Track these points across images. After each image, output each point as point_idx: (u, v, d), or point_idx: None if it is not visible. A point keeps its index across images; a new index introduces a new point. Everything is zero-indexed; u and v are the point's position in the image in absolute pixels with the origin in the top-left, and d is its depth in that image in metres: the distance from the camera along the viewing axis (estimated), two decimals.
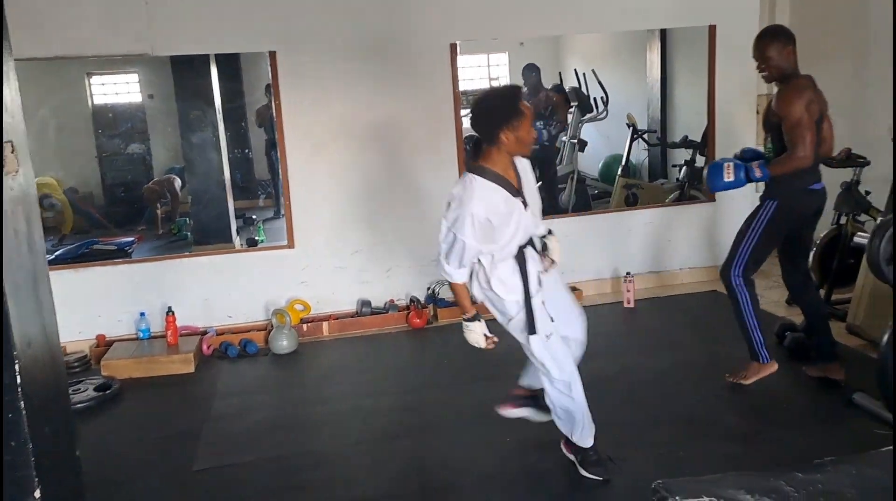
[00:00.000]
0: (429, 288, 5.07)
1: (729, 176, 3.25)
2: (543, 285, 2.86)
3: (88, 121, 6.98)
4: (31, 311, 1.62)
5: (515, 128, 2.58)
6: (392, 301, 5.02)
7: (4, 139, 1.57)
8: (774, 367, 3.55)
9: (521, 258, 2.78)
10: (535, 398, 3.12)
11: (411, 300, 4.98)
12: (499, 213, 2.66)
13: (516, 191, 2.72)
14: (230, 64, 6.04)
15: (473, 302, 2.87)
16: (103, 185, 6.99)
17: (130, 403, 3.90)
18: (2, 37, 1.58)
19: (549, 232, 3.00)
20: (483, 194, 2.62)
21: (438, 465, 3.13)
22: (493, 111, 2.61)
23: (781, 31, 3.41)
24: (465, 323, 2.84)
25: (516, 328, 2.85)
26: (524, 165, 2.83)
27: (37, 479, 1.44)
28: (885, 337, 2.98)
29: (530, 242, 2.84)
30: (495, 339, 2.86)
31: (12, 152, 1.61)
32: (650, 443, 3.15)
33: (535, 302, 2.79)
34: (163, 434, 3.51)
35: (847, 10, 5.35)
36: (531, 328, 2.79)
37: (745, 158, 3.44)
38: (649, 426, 3.31)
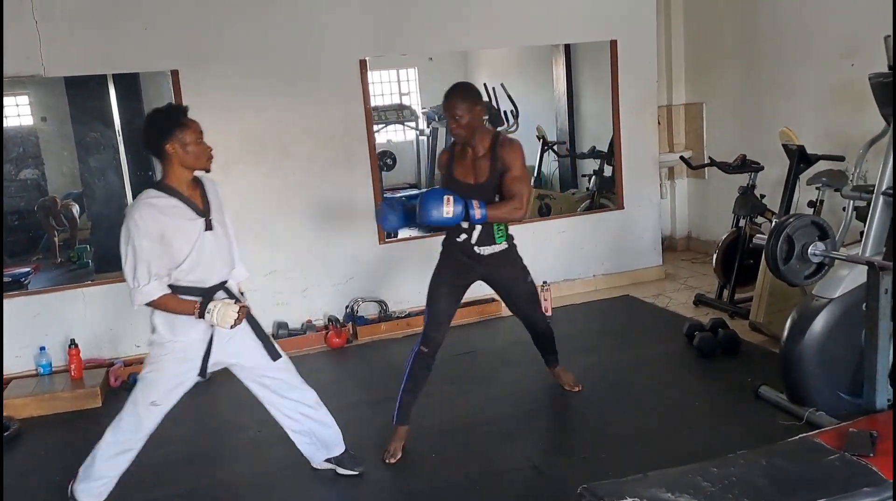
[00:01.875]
0: (348, 306, 5.02)
1: (448, 212, 2.95)
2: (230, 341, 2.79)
3: None
4: None
5: (181, 139, 2.60)
6: (310, 322, 4.94)
7: None
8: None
9: (206, 303, 2.66)
10: (343, 457, 3.13)
11: (329, 320, 4.91)
12: (173, 225, 2.60)
13: (200, 212, 2.69)
14: (129, 84, 5.81)
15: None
16: None
17: (32, 443, 3.67)
18: None
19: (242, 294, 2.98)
20: (153, 201, 2.60)
21: (365, 485, 3.08)
22: (156, 127, 2.63)
23: (471, 88, 3.20)
24: (207, 317, 2.64)
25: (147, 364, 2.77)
26: (220, 198, 2.81)
27: None
28: (786, 332, 3.15)
29: (222, 287, 2.77)
30: (243, 303, 2.76)
31: None
32: (572, 448, 3.22)
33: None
34: (69, 475, 3.30)
35: (735, 24, 5.66)
36: (203, 371, 2.76)
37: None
38: (570, 431, 3.38)
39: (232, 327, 2.65)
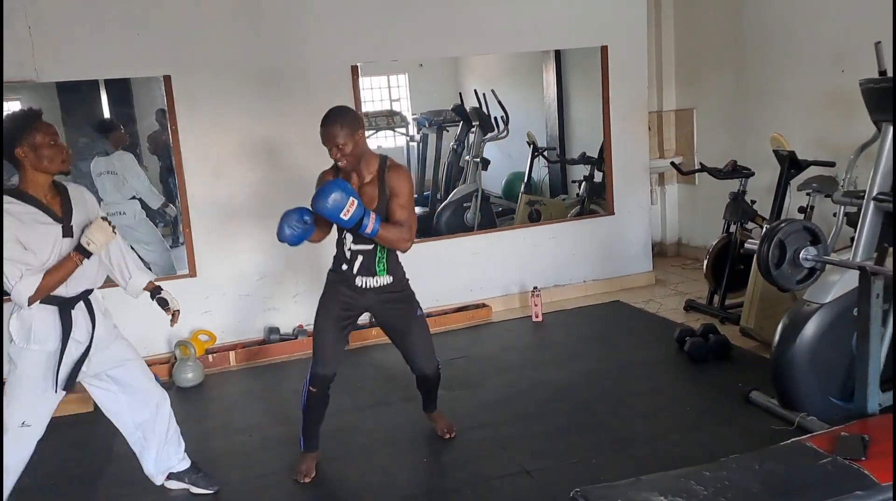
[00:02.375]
0: None
1: (347, 214, 2.77)
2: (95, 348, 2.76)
3: None
4: None
5: (31, 143, 2.54)
6: (301, 327, 4.92)
7: None
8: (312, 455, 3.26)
9: (65, 313, 2.63)
10: (193, 469, 3.14)
11: None
12: (28, 231, 2.53)
13: (57, 218, 2.62)
14: (120, 89, 5.80)
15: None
16: None
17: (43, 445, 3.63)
18: None
19: (160, 289, 2.99)
20: (9, 208, 2.52)
21: (356, 490, 3.08)
22: (7, 132, 2.58)
23: (350, 113, 2.99)
24: (90, 248, 2.58)
25: (8, 383, 2.67)
26: (89, 207, 2.76)
27: None
28: (777, 337, 3.17)
29: (83, 298, 2.72)
30: (111, 223, 2.65)
31: None
32: (564, 453, 3.21)
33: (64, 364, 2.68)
34: (61, 479, 3.30)
35: (724, 31, 5.71)
36: (65, 383, 2.71)
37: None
38: (562, 436, 3.37)
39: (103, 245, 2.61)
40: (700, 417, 3.47)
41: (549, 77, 6.57)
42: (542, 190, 6.80)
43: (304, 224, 2.91)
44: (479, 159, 6.44)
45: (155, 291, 3.00)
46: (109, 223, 2.63)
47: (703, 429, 3.33)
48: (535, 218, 6.01)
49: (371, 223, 2.82)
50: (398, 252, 3.08)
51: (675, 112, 6.38)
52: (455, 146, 6.71)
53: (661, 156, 6.37)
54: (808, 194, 4.39)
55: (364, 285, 3.07)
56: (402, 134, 7.46)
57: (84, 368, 2.76)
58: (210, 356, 4.59)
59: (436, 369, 3.32)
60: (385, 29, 4.91)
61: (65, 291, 2.64)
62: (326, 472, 3.19)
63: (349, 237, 3.04)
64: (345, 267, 3.08)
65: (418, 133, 7.20)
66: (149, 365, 4.38)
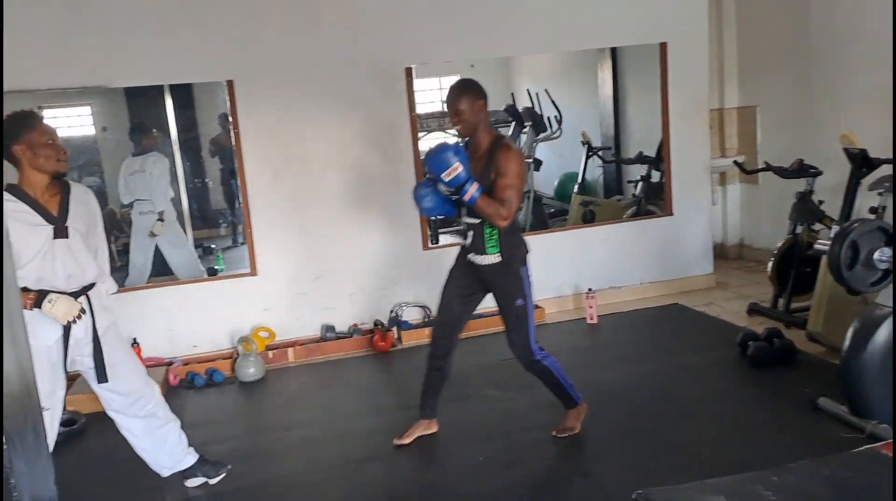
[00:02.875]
0: (392, 311, 5.05)
1: (449, 176, 2.91)
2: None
3: None
4: (7, 346, 1.56)
5: (29, 142, 2.61)
6: (356, 326, 4.98)
7: None
8: (585, 405, 3.42)
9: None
10: (201, 462, 3.16)
11: (375, 324, 4.95)
12: (15, 230, 2.56)
13: (51, 218, 2.67)
14: (185, 93, 5.98)
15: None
16: None
17: (97, 437, 3.77)
18: None
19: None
20: (8, 204, 2.59)
21: (412, 487, 3.10)
22: (7, 129, 2.64)
23: (473, 85, 3.14)
24: (46, 307, 2.61)
25: None
26: (90, 208, 2.80)
27: None
28: (847, 342, 3.06)
29: (84, 293, 2.75)
30: (80, 307, 2.70)
31: None
32: (620, 455, 3.17)
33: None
34: (131, 467, 3.38)
35: (789, 26, 5.55)
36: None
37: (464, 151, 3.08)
38: (618, 439, 3.33)
39: (69, 321, 2.64)
40: (763, 423, 3.38)
41: (605, 75, 6.49)
42: (597, 191, 6.72)
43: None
44: (531, 160, 6.41)
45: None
46: (80, 309, 2.66)
47: (767, 435, 3.24)
48: (588, 219, 5.94)
49: (471, 191, 2.92)
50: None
51: (737, 110, 6.23)
52: None
53: (723, 155, 6.23)
54: (879, 194, 4.22)
55: (475, 262, 3.17)
56: (454, 135, 7.48)
57: (87, 361, 2.82)
58: (270, 353, 4.69)
59: (525, 360, 3.26)
60: (438, 30, 4.94)
61: (65, 285, 2.69)
62: (382, 469, 3.23)
63: (463, 210, 3.15)
64: (463, 241, 3.22)
65: None
66: (212, 361, 4.59)
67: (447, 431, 3.56)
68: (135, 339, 4.39)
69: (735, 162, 5.35)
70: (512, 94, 6.66)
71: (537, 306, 5.20)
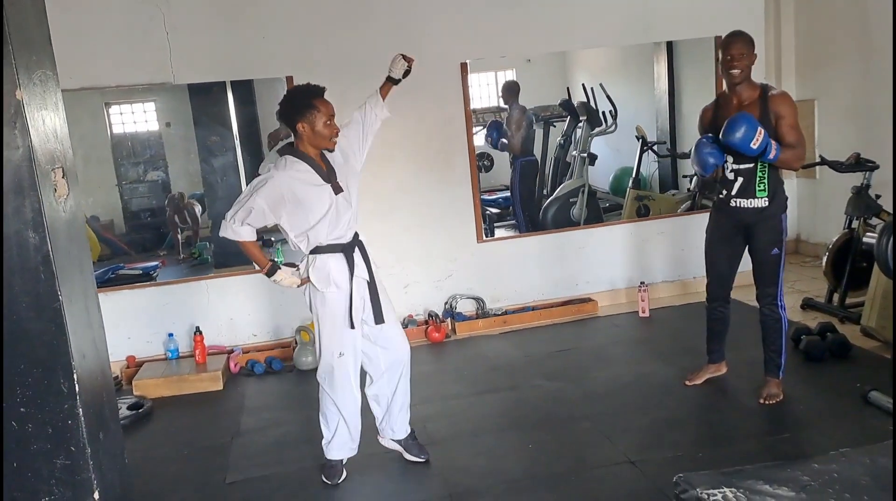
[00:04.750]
0: (446, 303, 5.17)
1: (756, 143, 3.08)
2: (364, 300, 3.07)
3: (108, 150, 7.14)
4: (84, 326, 1.72)
5: (310, 121, 2.85)
6: (411, 317, 5.11)
7: (55, 165, 1.69)
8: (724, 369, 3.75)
9: (349, 256, 3.00)
10: (409, 437, 3.30)
11: (430, 315, 5.07)
12: (305, 191, 2.87)
13: (326, 177, 2.93)
14: (245, 89, 6.17)
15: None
16: (124, 212, 7.12)
17: (162, 420, 4.00)
18: (54, 66, 1.69)
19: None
20: (291, 170, 2.87)
21: (464, 472, 3.20)
22: (289, 105, 2.90)
23: (747, 35, 3.33)
24: (274, 279, 3.00)
25: (321, 323, 3.03)
26: (343, 162, 3.04)
27: (95, 481, 1.53)
28: None
29: (357, 243, 3.06)
30: (303, 276, 3.01)
31: (63, 177, 1.72)
32: (670, 446, 3.21)
33: (356, 303, 3.01)
34: (195, 449, 3.61)
35: (850, 17, 5.45)
36: (351, 322, 3.00)
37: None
38: (668, 429, 3.37)
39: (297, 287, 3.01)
40: (814, 415, 3.38)
41: (661, 69, 6.45)
42: (652, 185, 6.69)
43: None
44: (586, 154, 6.43)
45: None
46: (301, 282, 3.02)
47: (817, 428, 3.25)
48: (643, 213, 5.94)
49: (773, 150, 3.11)
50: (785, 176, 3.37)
51: (796, 103, 6.12)
52: (562, 141, 6.71)
53: None
54: None
55: (739, 206, 3.35)
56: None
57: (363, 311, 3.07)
58: None
59: (768, 308, 3.45)
60: (493, 25, 5.01)
61: (345, 237, 3.00)
62: (436, 454, 3.33)
63: (730, 159, 3.30)
64: (724, 193, 3.39)
65: None
66: (271, 350, 4.78)
67: (496, 419, 3.66)
68: (198, 327, 4.61)
69: None
70: (567, 88, 6.69)
71: (590, 300, 5.27)
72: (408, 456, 3.29)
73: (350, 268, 2.99)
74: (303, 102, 2.87)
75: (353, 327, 3.01)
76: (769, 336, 3.51)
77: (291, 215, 2.91)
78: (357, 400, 3.14)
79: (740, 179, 3.31)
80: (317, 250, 2.97)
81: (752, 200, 3.32)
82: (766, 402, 3.48)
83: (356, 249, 3.06)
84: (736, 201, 3.34)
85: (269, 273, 2.99)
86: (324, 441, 3.20)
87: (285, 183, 2.86)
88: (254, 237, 2.98)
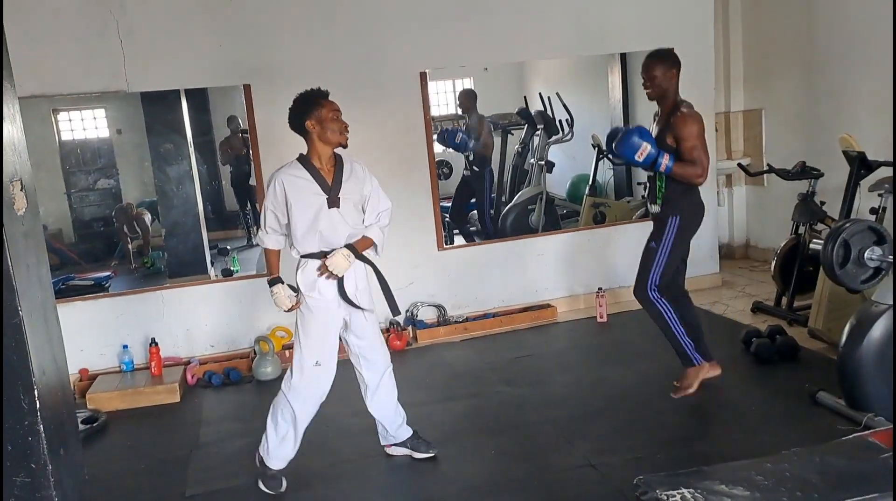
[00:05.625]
0: (407, 311, 5.18)
1: (641, 156, 3.40)
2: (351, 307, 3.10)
3: (56, 157, 6.97)
4: (44, 341, 1.70)
5: (317, 117, 2.94)
6: None
7: (14, 178, 1.66)
8: (717, 369, 3.74)
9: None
10: (413, 437, 3.36)
11: (391, 323, 5.08)
12: (297, 193, 2.95)
13: (328, 188, 2.98)
14: (200, 97, 6.10)
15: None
16: (73, 221, 6.96)
17: (118, 434, 3.93)
18: (2, 77, 1.67)
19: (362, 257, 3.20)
20: (291, 171, 2.99)
21: (427, 479, 3.22)
22: (296, 108, 2.99)
23: (669, 55, 3.58)
24: (270, 289, 3.10)
25: (302, 329, 3.10)
26: (357, 174, 3.08)
27: (56, 498, 1.51)
28: (844, 337, 3.17)
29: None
30: (297, 300, 3.07)
31: (21, 190, 1.70)
32: (628, 448, 3.28)
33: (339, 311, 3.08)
34: (153, 462, 3.55)
35: (795, 31, 5.64)
36: (344, 297, 3.05)
37: (645, 128, 3.60)
38: (626, 433, 3.44)
39: (286, 311, 3.07)
40: (765, 417, 3.49)
41: (615, 80, 6.59)
42: (607, 192, 6.82)
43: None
44: (543, 162, 6.53)
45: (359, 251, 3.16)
46: (294, 305, 3.06)
47: (768, 429, 3.34)
48: (599, 220, 6.05)
49: (664, 162, 3.38)
50: (692, 189, 3.52)
51: (743, 113, 6.32)
52: (520, 149, 6.80)
53: (729, 157, 6.33)
54: (879, 195, 4.32)
55: (650, 208, 3.69)
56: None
57: (347, 318, 3.11)
58: (287, 352, 4.80)
59: (639, 296, 3.65)
60: (453, 35, 5.06)
61: (337, 242, 3.01)
62: (398, 461, 3.35)
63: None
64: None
65: None
66: (229, 360, 4.73)
67: (458, 426, 3.69)
68: (153, 339, 4.53)
69: (739, 165, 5.45)
70: (525, 97, 6.78)
71: (550, 306, 5.33)
72: (417, 455, 3.34)
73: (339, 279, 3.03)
74: (308, 102, 2.96)
75: (344, 298, 3.04)
76: (660, 328, 3.69)
77: (290, 215, 2.98)
78: (311, 415, 3.15)
79: (648, 185, 3.66)
80: (309, 255, 3.02)
81: (652, 205, 3.64)
82: (674, 395, 3.67)
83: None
84: (648, 204, 3.72)
85: (270, 284, 3.09)
86: (264, 448, 3.17)
87: (282, 182, 2.95)
88: (278, 246, 3.11)
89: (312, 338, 3.06)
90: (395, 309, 3.24)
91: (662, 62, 3.48)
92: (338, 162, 3.06)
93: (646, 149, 3.38)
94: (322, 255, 3.00)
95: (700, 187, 3.56)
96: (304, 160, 3.02)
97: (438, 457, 3.36)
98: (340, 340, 3.20)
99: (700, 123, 3.45)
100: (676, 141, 3.44)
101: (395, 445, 3.37)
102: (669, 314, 3.61)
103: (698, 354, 3.66)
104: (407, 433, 3.37)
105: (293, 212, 2.96)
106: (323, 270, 3.00)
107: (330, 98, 3.00)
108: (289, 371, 3.14)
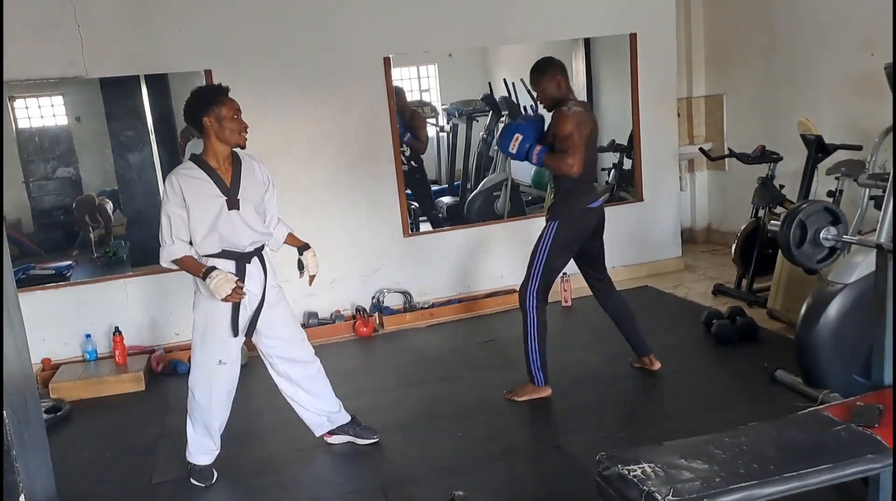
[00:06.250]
0: (373, 298, 5.18)
1: (514, 148, 3.51)
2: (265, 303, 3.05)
3: (13, 145, 6.81)
4: (6, 327, 1.67)
5: (216, 114, 2.82)
6: (338, 312, 5.11)
7: None
8: (548, 391, 3.68)
9: (241, 265, 2.95)
10: (353, 423, 3.36)
11: (357, 310, 5.08)
12: (194, 196, 2.85)
13: (226, 189, 2.90)
14: (160, 83, 5.99)
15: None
16: (32, 210, 6.82)
17: (83, 423, 3.88)
18: None
19: (307, 246, 3.26)
20: (186, 172, 2.88)
21: (396, 462, 3.24)
22: (194, 102, 2.87)
23: (548, 64, 3.64)
24: (208, 282, 2.82)
25: (202, 327, 3.01)
26: (257, 175, 3.02)
27: (21, 484, 1.50)
28: (801, 317, 3.25)
29: (257, 253, 3.03)
30: (241, 284, 2.88)
31: None
32: (592, 429, 3.34)
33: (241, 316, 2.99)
34: (119, 451, 3.52)
35: (754, 18, 5.73)
36: (234, 330, 2.98)
37: (532, 121, 3.70)
38: (590, 413, 3.50)
39: (223, 299, 2.82)
40: (726, 395, 3.58)
41: (579, 65, 6.63)
42: None
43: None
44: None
45: (302, 247, 3.26)
46: (237, 288, 2.85)
47: (729, 407, 3.43)
48: None
49: (535, 155, 3.48)
50: (571, 189, 3.59)
51: (705, 98, 6.42)
52: (485, 136, 6.82)
53: (691, 142, 6.42)
54: (836, 178, 4.43)
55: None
56: (433, 124, 7.59)
57: (259, 321, 3.04)
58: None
59: (521, 296, 3.66)
60: (416, 20, 5.04)
61: (241, 246, 2.94)
62: (360, 448, 3.36)
63: None
64: None
65: (448, 123, 7.32)
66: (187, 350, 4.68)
67: (426, 410, 3.71)
68: (117, 327, 4.47)
69: (701, 149, 5.54)
70: (489, 83, 6.79)
71: (514, 290, 5.37)
72: (360, 442, 3.34)
73: (241, 278, 2.93)
74: (207, 98, 2.85)
75: (236, 334, 2.99)
76: (522, 334, 3.68)
77: (189, 217, 2.86)
78: (226, 411, 3.13)
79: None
80: (209, 254, 2.91)
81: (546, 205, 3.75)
82: (505, 393, 3.73)
83: (254, 261, 3.02)
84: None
85: (204, 276, 2.83)
86: (188, 447, 3.16)
87: (178, 182, 2.83)
88: (189, 250, 2.90)
89: (213, 336, 2.98)
90: (251, 332, 3.11)
91: (544, 74, 3.55)
92: (235, 161, 2.96)
93: (517, 140, 3.48)
94: (224, 254, 2.92)
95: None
96: (198, 160, 2.90)
97: (407, 440, 3.39)
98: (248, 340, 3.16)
99: (577, 118, 3.45)
100: (554, 136, 3.49)
101: (335, 434, 3.35)
102: (533, 330, 3.62)
103: (542, 375, 3.66)
104: (345, 417, 3.35)
105: (192, 214, 2.85)
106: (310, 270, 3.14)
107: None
108: (193, 370, 3.10)
